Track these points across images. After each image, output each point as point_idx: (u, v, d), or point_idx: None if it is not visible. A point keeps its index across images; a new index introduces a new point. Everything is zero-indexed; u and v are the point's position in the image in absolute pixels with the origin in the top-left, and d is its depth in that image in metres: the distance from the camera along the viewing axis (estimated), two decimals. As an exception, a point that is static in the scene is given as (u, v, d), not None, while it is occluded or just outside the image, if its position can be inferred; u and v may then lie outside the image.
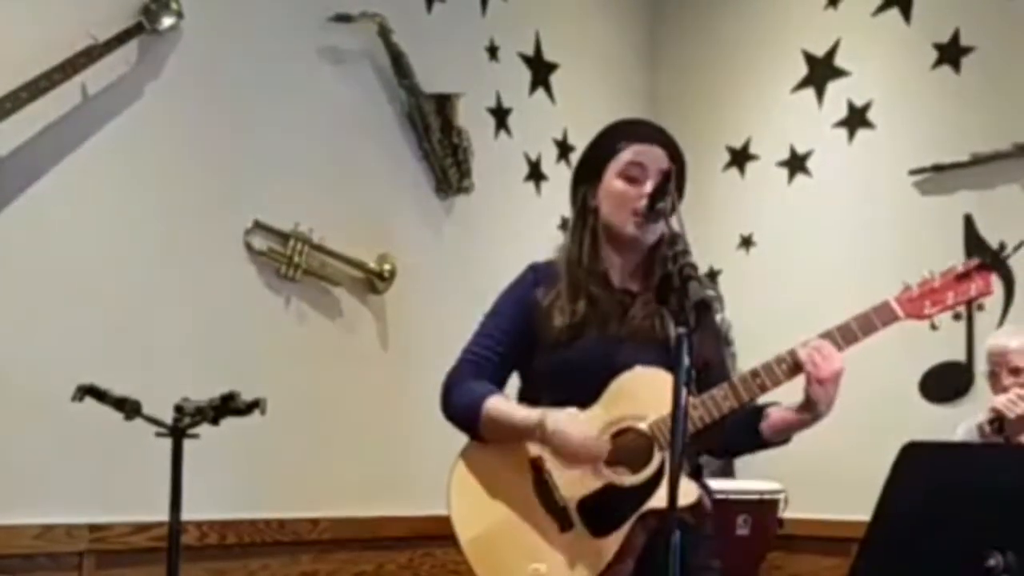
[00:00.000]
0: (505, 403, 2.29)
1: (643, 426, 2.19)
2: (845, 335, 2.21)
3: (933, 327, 2.31)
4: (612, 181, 2.32)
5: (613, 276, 2.34)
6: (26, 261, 3.03)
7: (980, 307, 2.24)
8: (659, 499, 2.12)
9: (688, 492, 2.16)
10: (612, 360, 2.23)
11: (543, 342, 2.30)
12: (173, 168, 3.34)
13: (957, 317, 2.37)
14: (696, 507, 2.18)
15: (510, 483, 2.25)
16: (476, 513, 2.26)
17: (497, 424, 2.26)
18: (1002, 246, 2.31)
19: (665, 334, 2.23)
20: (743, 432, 2.28)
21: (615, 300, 2.31)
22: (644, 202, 2.26)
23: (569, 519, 2.21)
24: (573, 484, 2.21)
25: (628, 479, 2.18)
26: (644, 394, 2.18)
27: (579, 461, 2.19)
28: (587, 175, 2.39)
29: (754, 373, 2.21)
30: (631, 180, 2.30)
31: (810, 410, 2.20)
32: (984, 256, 4.02)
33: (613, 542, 2.16)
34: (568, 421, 2.19)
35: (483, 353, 2.34)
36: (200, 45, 3.38)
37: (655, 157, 2.32)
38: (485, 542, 2.24)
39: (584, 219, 2.37)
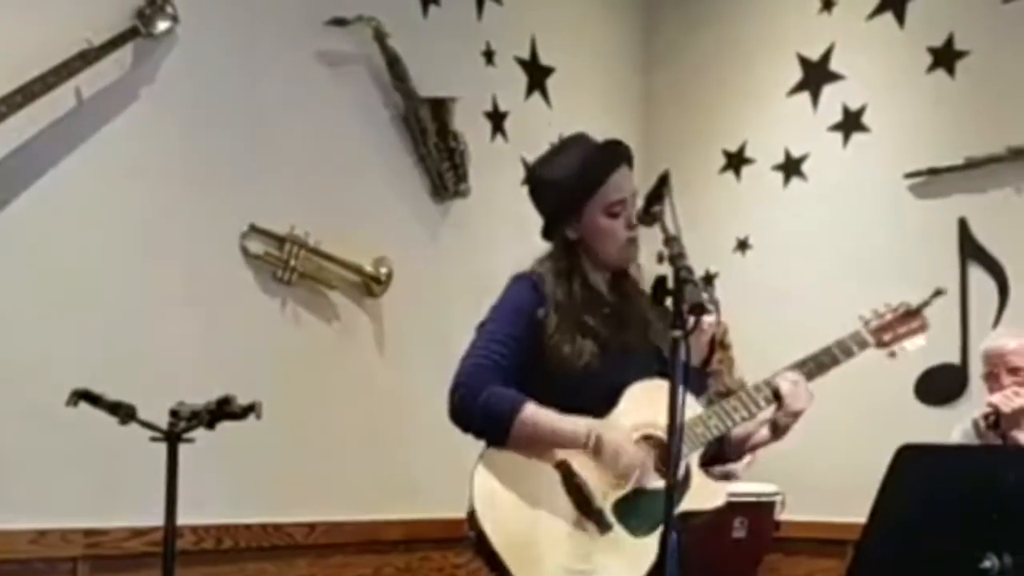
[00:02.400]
0: (546, 410, 2.30)
1: (663, 434, 2.24)
2: (821, 366, 2.45)
3: (891, 355, 2.55)
4: (599, 220, 2.40)
5: (603, 290, 2.44)
6: (21, 265, 3.03)
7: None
8: (689, 501, 2.27)
9: (719, 494, 2.34)
10: (612, 373, 2.33)
11: (546, 355, 2.34)
12: (168, 172, 3.34)
13: (892, 355, 2.56)
14: (720, 511, 2.34)
15: (539, 488, 2.28)
16: (509, 521, 2.26)
17: (536, 429, 2.28)
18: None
19: (653, 344, 2.39)
20: (724, 447, 2.45)
21: (606, 313, 2.40)
22: (635, 220, 2.34)
23: (607, 521, 2.26)
24: (604, 487, 2.28)
25: (657, 482, 2.25)
26: (658, 403, 2.22)
27: (628, 471, 2.26)
28: (565, 214, 2.43)
29: (748, 393, 2.38)
30: (615, 216, 2.40)
31: (777, 433, 2.41)
32: (985, 265, 4.06)
33: (654, 542, 2.20)
34: (621, 436, 2.28)
35: (496, 358, 2.34)
36: (195, 49, 3.38)
37: (627, 180, 2.42)
38: (523, 549, 2.25)
39: (571, 258, 2.43)
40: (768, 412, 2.42)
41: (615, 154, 2.45)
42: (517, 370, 2.36)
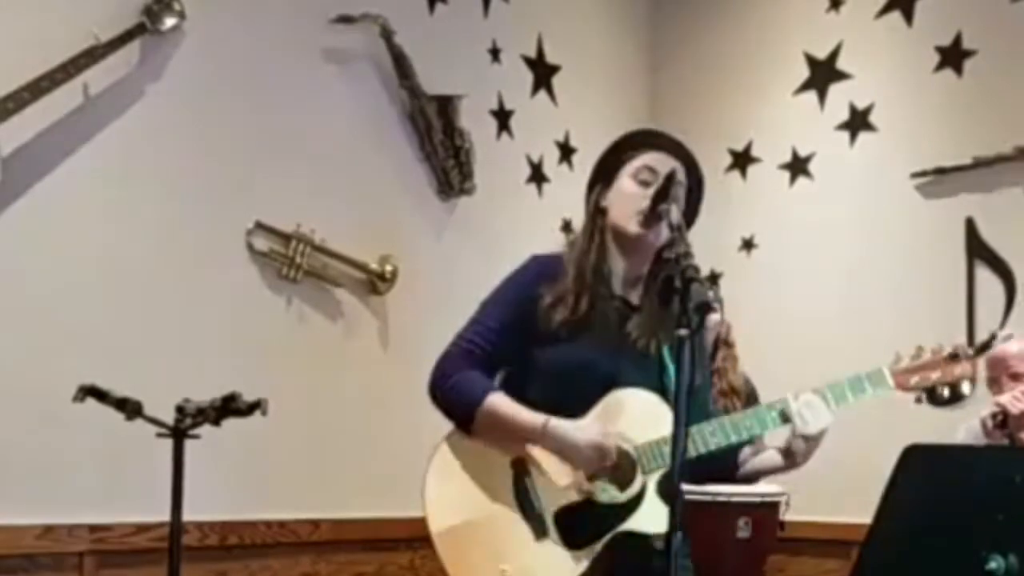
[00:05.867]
0: (509, 401, 2.23)
1: (630, 448, 2.20)
2: (837, 397, 2.24)
3: (918, 400, 2.36)
4: (624, 182, 2.32)
5: (615, 282, 2.33)
6: (28, 261, 3.03)
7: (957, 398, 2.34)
8: (634, 522, 2.16)
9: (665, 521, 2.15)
10: (605, 370, 2.23)
11: (541, 336, 2.26)
12: (175, 169, 3.34)
13: (918, 401, 2.40)
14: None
15: (490, 481, 2.24)
16: (451, 505, 2.24)
17: (496, 420, 2.22)
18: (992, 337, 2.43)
19: (659, 351, 2.27)
20: (717, 464, 2.31)
21: (614, 307, 2.30)
22: (647, 202, 2.25)
23: (544, 527, 2.20)
24: (553, 493, 2.21)
25: (608, 495, 2.18)
26: (634, 415, 2.20)
27: (585, 462, 2.17)
28: (601, 177, 2.39)
29: (744, 415, 2.22)
30: (642, 184, 2.30)
31: (789, 459, 2.27)
32: (992, 265, 4.05)
33: (585, 556, 2.17)
34: (573, 426, 2.19)
35: (479, 342, 2.29)
36: (202, 46, 3.39)
37: (668, 161, 2.31)
38: (456, 536, 2.23)
39: (594, 219, 2.36)
40: (782, 436, 2.29)
41: (668, 139, 2.39)
42: (503, 355, 2.29)
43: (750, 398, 3.87)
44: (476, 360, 2.28)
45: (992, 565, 1.95)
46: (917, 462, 2.05)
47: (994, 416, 3.31)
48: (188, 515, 2.43)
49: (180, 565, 2.42)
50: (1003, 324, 3.99)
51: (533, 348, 2.27)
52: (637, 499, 2.16)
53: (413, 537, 3.80)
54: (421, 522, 3.72)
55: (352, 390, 3.74)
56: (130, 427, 2.43)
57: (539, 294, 2.28)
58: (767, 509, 3.75)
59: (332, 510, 3.63)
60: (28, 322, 3.02)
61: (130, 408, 2.40)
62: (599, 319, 2.27)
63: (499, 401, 2.23)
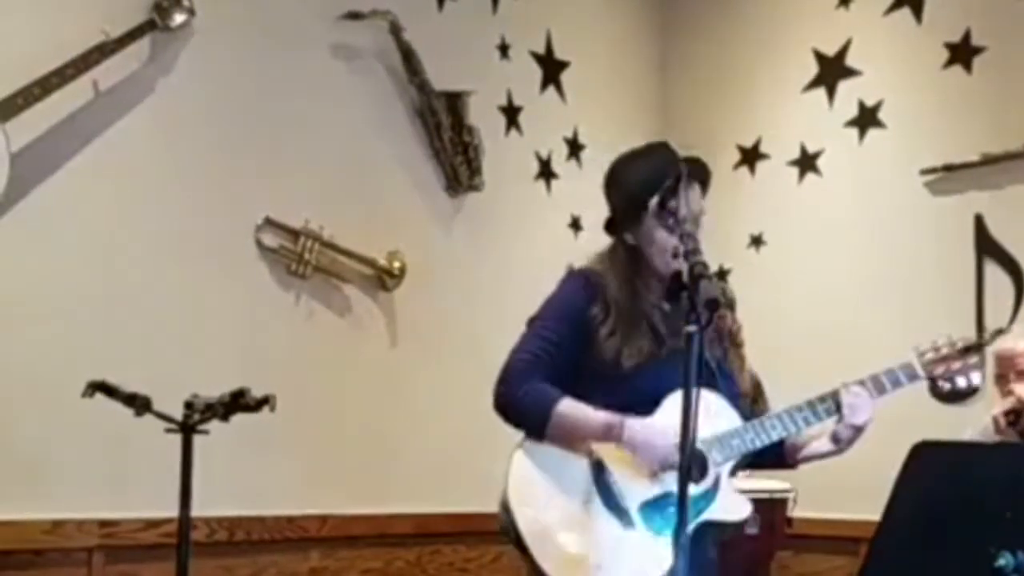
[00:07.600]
0: (580, 404, 2.35)
1: (699, 443, 2.28)
2: (877, 388, 2.48)
3: (939, 393, 2.60)
4: (655, 231, 2.40)
5: (654, 300, 2.45)
6: (37, 256, 3.04)
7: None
8: (714, 512, 2.33)
9: (744, 507, 2.41)
10: (660, 378, 2.36)
11: (599, 359, 2.38)
12: (184, 165, 3.35)
13: (939, 393, 2.68)
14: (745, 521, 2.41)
15: (571, 482, 2.33)
16: (538, 507, 2.32)
17: (569, 422, 2.33)
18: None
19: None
20: (768, 452, 2.49)
21: (659, 325, 2.43)
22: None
23: (631, 520, 2.30)
24: (633, 488, 2.32)
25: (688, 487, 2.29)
26: (697, 412, 2.27)
27: (660, 460, 2.29)
28: (629, 215, 2.45)
29: (799, 408, 2.44)
30: (670, 230, 2.38)
31: (838, 445, 2.46)
32: (1001, 262, 4.04)
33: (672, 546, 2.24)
34: (649, 427, 2.31)
35: (540, 354, 2.39)
36: (212, 42, 3.39)
37: (694, 199, 2.38)
38: (550, 539, 2.30)
39: (631, 263, 2.45)
40: (829, 423, 2.46)
41: (689, 172, 2.43)
42: (563, 368, 2.39)
43: (756, 400, 3.86)
44: (540, 368, 2.38)
45: (1000, 562, 1.95)
46: (926, 459, 2.05)
47: (1007, 414, 3.29)
48: (196, 511, 2.44)
49: (188, 561, 2.44)
50: (1012, 321, 3.98)
51: (589, 361, 2.39)
52: (713, 490, 2.33)
53: (420, 533, 3.81)
54: (428, 518, 3.77)
55: (360, 386, 3.75)
56: (139, 423, 2.44)
57: (591, 314, 2.40)
58: (775, 506, 3.75)
59: (340, 506, 3.63)
60: (36, 317, 3.03)
61: (139, 404, 2.41)
62: (650, 334, 2.41)
63: (569, 405, 2.34)
